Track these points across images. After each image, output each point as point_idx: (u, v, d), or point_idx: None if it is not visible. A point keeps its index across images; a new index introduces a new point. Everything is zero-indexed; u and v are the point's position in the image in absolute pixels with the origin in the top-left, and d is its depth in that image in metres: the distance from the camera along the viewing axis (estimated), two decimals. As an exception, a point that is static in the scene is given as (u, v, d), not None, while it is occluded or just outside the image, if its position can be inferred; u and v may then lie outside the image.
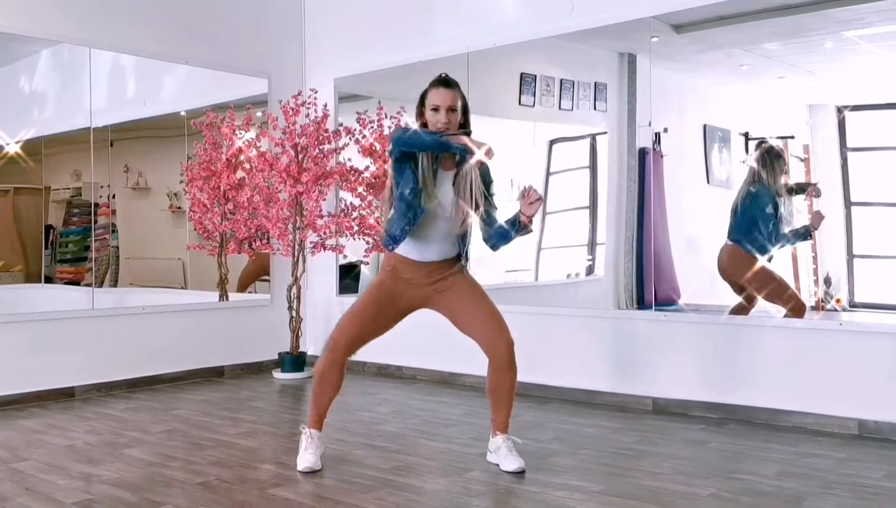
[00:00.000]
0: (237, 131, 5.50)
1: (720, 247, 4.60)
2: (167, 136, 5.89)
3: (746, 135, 5.12)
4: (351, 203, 5.49)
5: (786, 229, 4.56)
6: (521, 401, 4.51)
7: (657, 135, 4.81)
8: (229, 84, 5.66)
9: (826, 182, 5.09)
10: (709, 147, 5.07)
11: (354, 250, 5.72)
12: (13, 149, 4.98)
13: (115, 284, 5.50)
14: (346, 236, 5.42)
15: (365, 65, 5.63)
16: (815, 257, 5.12)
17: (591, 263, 5.61)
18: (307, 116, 5.28)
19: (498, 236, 3.26)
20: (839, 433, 3.68)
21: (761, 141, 4.67)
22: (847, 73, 4.92)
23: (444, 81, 3.17)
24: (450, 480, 3.06)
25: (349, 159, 5.46)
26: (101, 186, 5.36)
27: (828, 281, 5.05)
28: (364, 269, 6.09)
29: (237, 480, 3.08)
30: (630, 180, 5.17)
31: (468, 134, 3.14)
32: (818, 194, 4.64)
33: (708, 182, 5.03)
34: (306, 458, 3.20)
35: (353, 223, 5.35)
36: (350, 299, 5.82)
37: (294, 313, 5.41)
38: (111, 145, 5.31)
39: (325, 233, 5.33)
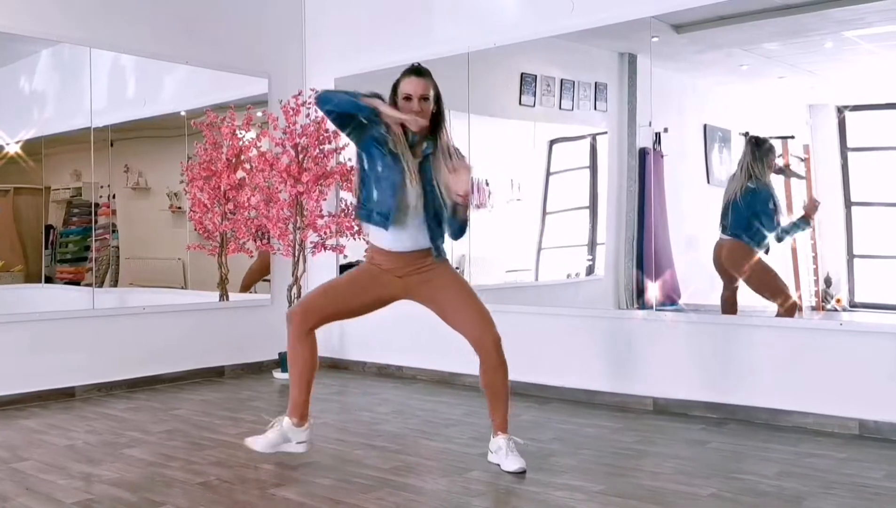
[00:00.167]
0: (237, 131, 5.49)
1: (716, 241, 4.61)
2: (167, 136, 5.89)
3: (747, 135, 5.12)
4: (351, 203, 5.48)
5: (784, 221, 4.58)
6: (521, 401, 4.53)
7: (657, 135, 4.81)
8: (229, 84, 5.66)
9: (826, 182, 5.10)
10: (709, 147, 5.07)
11: (355, 250, 5.72)
12: (13, 149, 4.98)
13: (115, 284, 5.50)
14: (347, 236, 5.42)
15: (365, 65, 5.62)
16: (815, 257, 5.12)
17: (591, 263, 5.61)
18: (307, 115, 5.28)
19: (447, 222, 3.19)
20: (839, 433, 3.68)
21: (747, 134, 4.67)
22: (847, 73, 4.92)
23: (416, 70, 3.17)
24: (450, 480, 3.06)
25: (349, 159, 5.45)
26: (102, 187, 5.36)
27: (828, 281, 5.05)
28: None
29: (237, 480, 3.08)
30: (630, 180, 5.17)
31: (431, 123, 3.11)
32: (794, 176, 4.65)
33: (708, 182, 5.03)
34: (258, 440, 3.23)
35: (353, 223, 5.35)
36: (350, 299, 5.84)
37: (294, 313, 5.40)
38: (111, 145, 5.31)
39: (325, 233, 5.33)
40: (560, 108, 5.58)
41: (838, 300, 4.99)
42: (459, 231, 3.20)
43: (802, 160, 5.16)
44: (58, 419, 4.16)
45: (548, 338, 4.74)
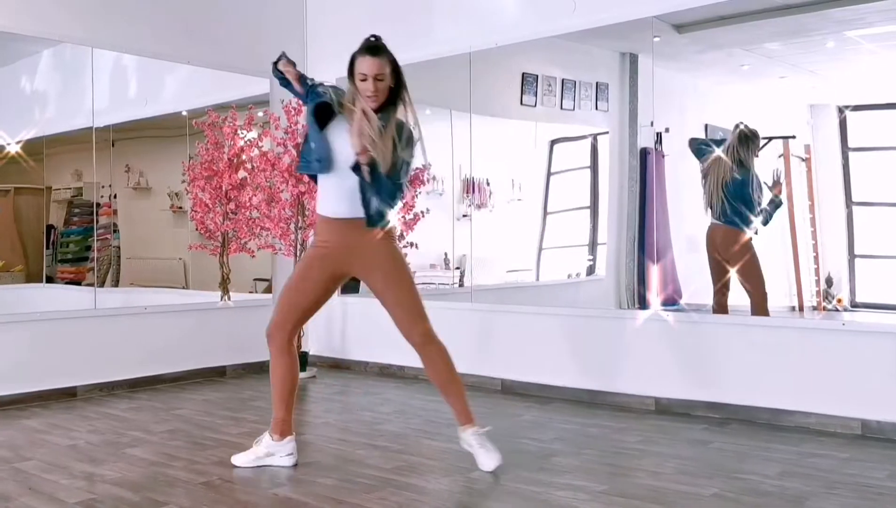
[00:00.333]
0: (239, 131, 5.49)
1: (709, 228, 4.63)
2: (168, 136, 5.89)
3: (738, 126, 5.12)
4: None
5: (765, 204, 4.65)
6: (522, 401, 4.53)
7: (659, 135, 4.81)
8: (231, 84, 5.66)
9: (827, 182, 5.10)
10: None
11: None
12: (14, 149, 4.98)
13: (116, 284, 5.50)
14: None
15: (366, 65, 5.61)
16: (816, 257, 5.13)
17: (591, 263, 5.61)
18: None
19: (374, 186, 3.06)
20: (842, 434, 3.68)
21: (738, 125, 4.69)
22: (848, 72, 4.92)
23: (371, 48, 3.05)
24: (452, 480, 3.06)
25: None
26: (103, 186, 5.36)
27: (829, 281, 5.05)
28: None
29: (240, 480, 3.08)
30: (631, 180, 5.17)
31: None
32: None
33: (709, 182, 5.03)
34: (241, 456, 3.26)
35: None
36: (350, 299, 5.87)
37: (296, 313, 5.40)
38: (112, 145, 5.31)
39: (327, 233, 5.33)
40: (561, 108, 5.59)
41: (839, 300, 4.99)
42: (380, 195, 3.04)
43: (803, 160, 5.17)
44: (60, 419, 4.16)
45: (549, 338, 4.74)
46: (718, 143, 4.78)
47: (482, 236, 5.53)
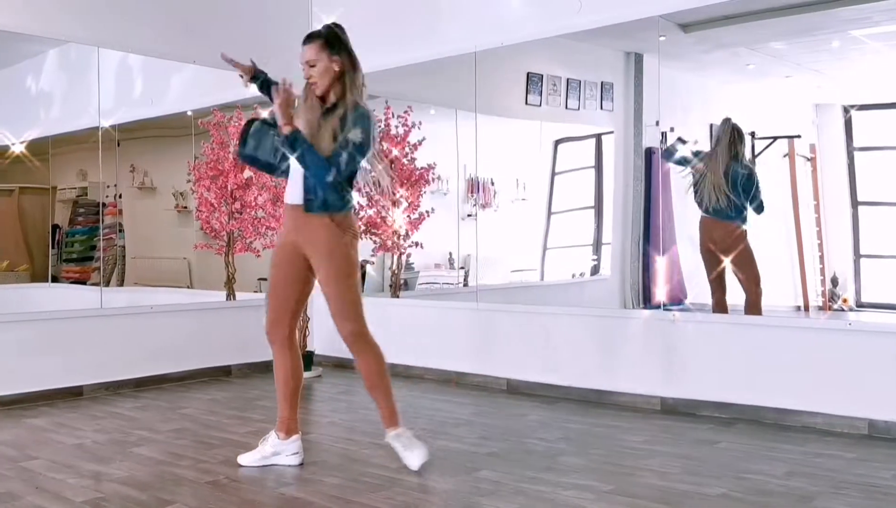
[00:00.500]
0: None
1: (709, 223, 4.64)
2: (173, 135, 5.90)
3: (753, 134, 5.12)
4: (358, 203, 5.49)
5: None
6: (528, 401, 4.53)
7: (664, 134, 4.80)
8: (236, 83, 5.65)
9: (832, 182, 5.10)
10: (716, 146, 5.06)
11: (361, 248, 5.73)
12: (20, 149, 4.99)
13: (121, 283, 5.52)
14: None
15: (371, 64, 5.55)
16: (821, 257, 5.12)
17: (596, 263, 5.61)
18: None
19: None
20: (849, 434, 3.67)
21: (728, 120, 4.69)
22: (854, 72, 4.92)
23: (306, 37, 3.15)
24: (458, 479, 3.06)
25: (357, 159, 5.46)
26: (108, 186, 5.38)
27: (834, 281, 5.05)
28: (370, 269, 6.09)
29: (246, 479, 3.09)
30: (636, 180, 5.17)
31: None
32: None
33: (715, 181, 5.02)
34: (247, 456, 3.27)
35: (360, 223, 5.36)
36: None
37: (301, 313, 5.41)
38: (118, 145, 5.33)
39: (332, 232, 5.33)
40: (566, 107, 5.59)
41: (845, 300, 4.99)
42: (310, 171, 3.01)
43: (809, 160, 5.16)
44: (66, 418, 4.16)
45: (555, 338, 4.73)
46: (696, 153, 4.77)
47: (486, 235, 5.53)
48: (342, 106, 3.07)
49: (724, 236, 4.64)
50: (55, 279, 5.35)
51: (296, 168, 3.09)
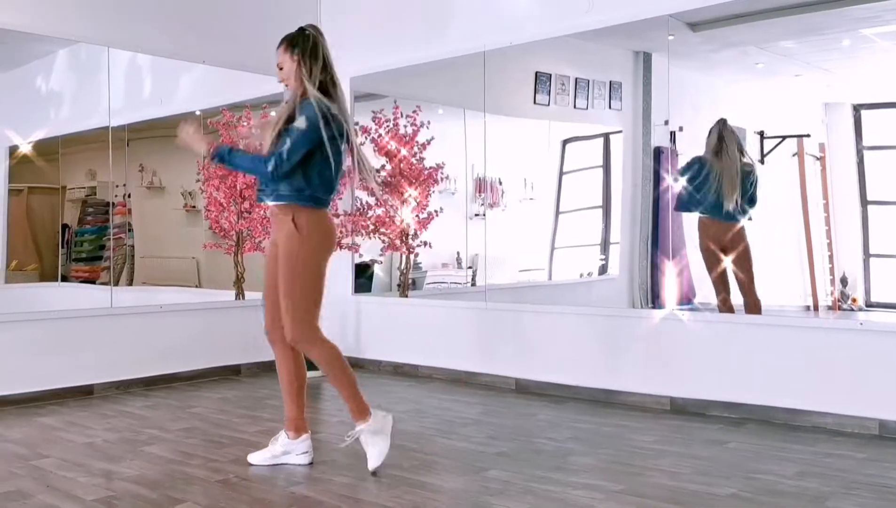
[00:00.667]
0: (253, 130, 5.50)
1: (711, 223, 4.62)
2: (183, 135, 5.91)
3: (762, 133, 5.10)
4: (366, 202, 5.50)
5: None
6: (537, 400, 4.53)
7: (672, 134, 4.79)
8: (245, 83, 5.67)
9: (842, 181, 5.08)
10: (725, 146, 5.05)
11: (371, 248, 5.74)
12: (30, 149, 5.01)
13: (130, 282, 5.53)
14: (362, 235, 5.43)
15: (381, 63, 5.63)
16: (830, 257, 5.11)
17: (604, 262, 5.60)
18: (323, 115, 5.29)
19: None
20: (859, 434, 3.66)
21: (724, 120, 4.67)
22: (863, 71, 4.90)
23: (279, 41, 3.23)
24: (468, 479, 3.06)
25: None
26: (117, 186, 5.39)
27: (844, 281, 5.03)
28: (377, 269, 6.10)
29: (257, 478, 3.09)
30: (645, 179, 5.16)
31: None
32: None
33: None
34: (258, 455, 3.28)
35: (368, 222, 5.37)
36: (364, 298, 5.87)
37: (310, 312, 5.42)
38: (127, 145, 5.34)
39: (340, 232, 5.34)
40: (575, 107, 5.58)
41: (854, 300, 4.97)
42: (247, 173, 3.28)
43: (818, 159, 5.14)
44: (76, 417, 4.18)
45: (564, 337, 4.73)
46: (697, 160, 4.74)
47: (494, 235, 5.53)
48: (293, 102, 3.15)
49: (728, 235, 4.63)
50: (65, 279, 5.36)
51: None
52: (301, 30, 3.24)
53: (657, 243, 4.99)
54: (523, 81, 5.51)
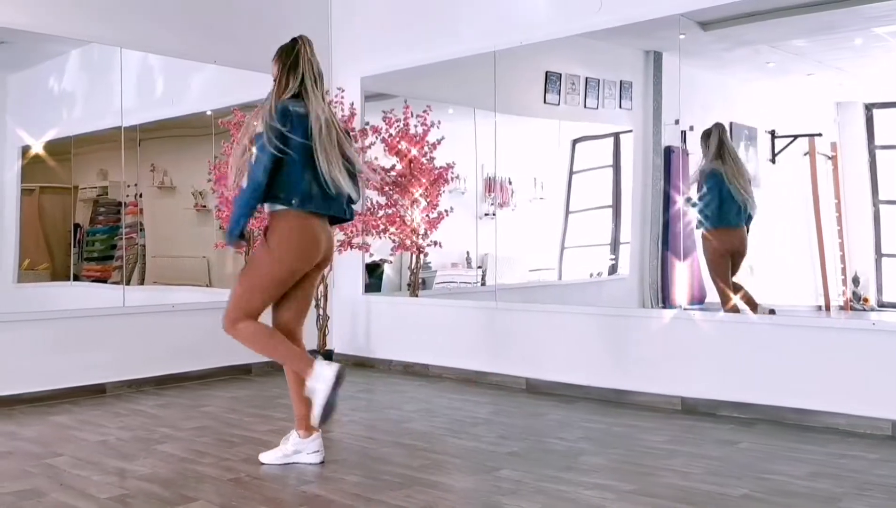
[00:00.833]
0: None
1: (734, 232, 4.61)
2: (193, 135, 5.93)
3: (773, 133, 5.09)
4: (377, 202, 5.50)
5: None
6: (548, 400, 4.53)
7: (683, 133, 4.78)
8: (256, 83, 5.68)
9: (854, 180, 5.06)
10: (735, 145, 5.04)
11: (381, 248, 5.75)
12: (43, 149, 5.04)
13: (141, 282, 5.56)
14: (373, 235, 5.44)
15: (391, 63, 5.64)
16: (842, 256, 5.09)
17: (614, 262, 5.59)
18: (334, 114, 5.29)
19: None
20: (871, 435, 3.64)
21: (720, 125, 4.66)
22: (876, 69, 4.88)
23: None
24: (479, 478, 3.06)
25: (375, 158, 5.48)
26: (129, 186, 5.41)
27: (856, 280, 5.01)
28: (387, 268, 6.11)
29: (268, 477, 3.11)
30: (655, 179, 5.15)
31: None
32: None
33: (734, 180, 5.00)
34: (269, 454, 3.33)
35: (379, 222, 5.37)
36: (374, 298, 5.88)
37: (321, 312, 5.44)
38: (139, 145, 5.37)
39: (351, 232, 5.35)
40: (585, 106, 5.57)
41: (866, 300, 4.95)
42: (248, 207, 3.20)
43: (830, 158, 5.12)
44: (89, 416, 4.20)
45: (574, 337, 4.73)
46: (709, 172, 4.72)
47: (504, 234, 5.53)
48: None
49: (743, 240, 4.63)
50: (76, 278, 5.39)
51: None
52: (293, 41, 3.29)
53: (667, 242, 4.98)
54: (534, 80, 5.51)
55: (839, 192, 5.13)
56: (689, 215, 4.64)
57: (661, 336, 4.40)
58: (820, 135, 5.08)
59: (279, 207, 3.14)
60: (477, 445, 3.56)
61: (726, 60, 5.05)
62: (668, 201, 5.01)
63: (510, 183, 5.83)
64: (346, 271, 5.88)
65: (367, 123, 5.60)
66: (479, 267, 5.91)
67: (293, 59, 3.23)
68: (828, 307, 5.04)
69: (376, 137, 5.41)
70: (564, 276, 5.87)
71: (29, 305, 4.94)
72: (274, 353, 3.26)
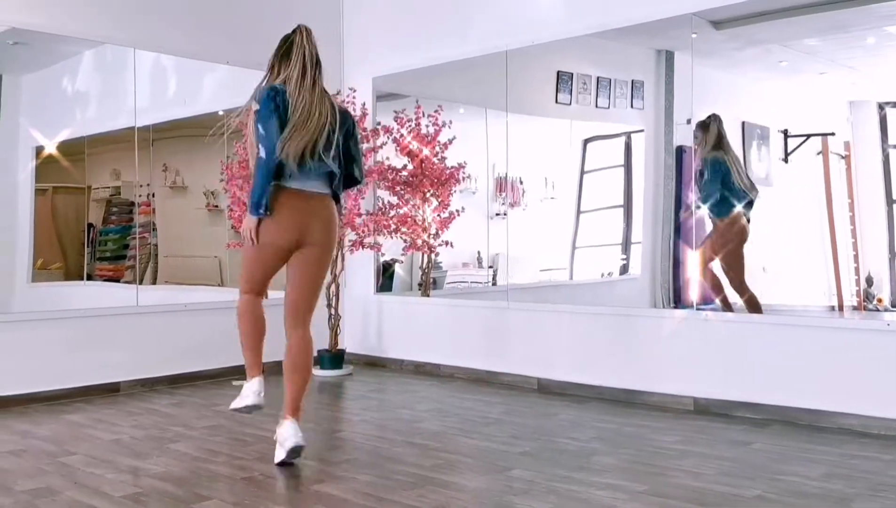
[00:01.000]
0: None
1: (743, 216, 4.65)
2: (205, 135, 5.95)
3: (786, 132, 5.07)
4: (388, 202, 5.51)
5: None
6: (559, 400, 4.53)
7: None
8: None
9: (867, 179, 5.03)
10: (747, 144, 5.03)
11: (392, 248, 5.75)
12: (57, 149, 5.07)
13: (154, 281, 5.58)
14: (384, 235, 5.45)
15: (403, 63, 5.65)
16: (856, 256, 5.06)
17: (625, 262, 5.59)
18: (334, 106, 5.30)
19: None
20: (885, 435, 3.62)
21: (717, 116, 4.66)
22: (889, 68, 4.85)
23: None
24: (491, 478, 3.07)
25: (387, 158, 5.49)
26: (141, 186, 5.44)
27: (869, 280, 4.99)
28: (398, 268, 6.11)
29: (281, 476, 3.12)
30: (667, 178, 5.13)
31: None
32: None
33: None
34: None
35: (390, 222, 5.38)
36: (386, 298, 5.89)
37: (333, 311, 5.45)
38: (152, 145, 5.39)
39: (363, 231, 5.37)
40: (596, 106, 5.57)
41: (880, 300, 4.92)
42: (267, 180, 3.26)
43: (843, 158, 5.10)
44: (103, 414, 4.23)
45: (586, 337, 4.72)
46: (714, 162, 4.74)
47: (515, 234, 5.53)
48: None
49: (746, 225, 4.67)
50: (89, 277, 5.42)
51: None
52: (293, 31, 3.47)
53: (679, 242, 4.97)
54: (545, 80, 5.50)
55: (852, 191, 5.10)
56: (698, 209, 4.67)
57: (673, 336, 4.39)
58: (833, 134, 5.05)
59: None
60: (489, 445, 3.56)
61: (738, 60, 5.04)
62: (679, 201, 5.00)
63: (521, 183, 5.83)
64: (357, 270, 5.89)
65: (379, 123, 5.61)
66: (490, 267, 5.92)
67: (286, 47, 3.38)
68: (841, 308, 5.01)
69: (388, 137, 5.42)
70: (576, 276, 5.87)
71: (43, 304, 4.98)
72: (239, 334, 3.53)
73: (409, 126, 5.44)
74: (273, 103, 3.18)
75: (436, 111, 5.42)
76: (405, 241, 5.48)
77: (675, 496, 2.82)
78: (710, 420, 4.00)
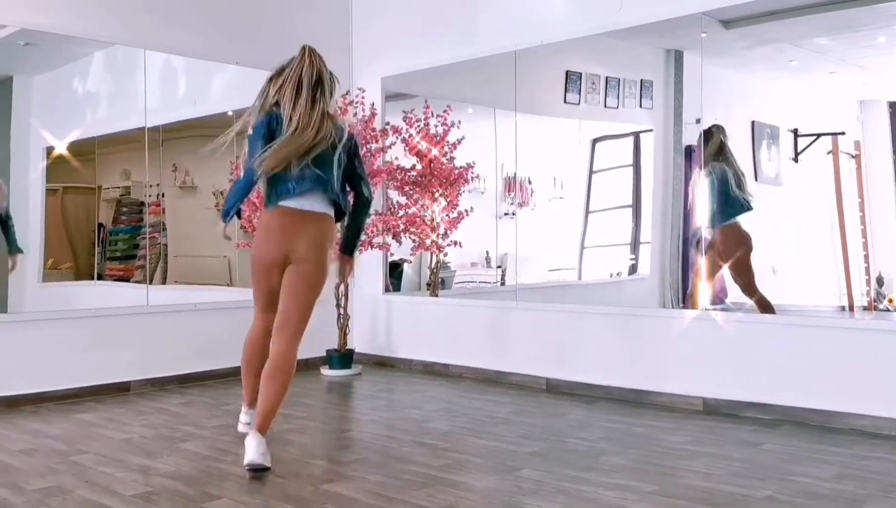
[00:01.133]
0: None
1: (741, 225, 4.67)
2: (215, 135, 5.96)
3: (796, 131, 5.05)
4: (398, 201, 5.52)
5: None
6: (568, 400, 4.53)
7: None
8: (277, 84, 5.71)
9: (878, 179, 5.01)
10: (757, 144, 5.01)
11: (401, 247, 5.76)
12: (67, 149, 5.09)
13: (164, 281, 5.60)
14: (397, 239, 5.47)
15: (412, 64, 5.65)
16: (866, 256, 5.04)
17: (634, 262, 5.58)
18: (355, 115, 5.32)
19: None
20: (896, 436, 3.61)
21: (720, 126, 4.66)
22: (899, 67, 4.83)
23: None
24: (500, 478, 3.07)
25: (396, 158, 5.49)
26: (151, 186, 5.46)
27: (880, 281, 4.96)
28: (406, 268, 6.12)
29: (291, 475, 3.13)
30: (676, 178, 5.12)
31: None
32: None
33: (756, 179, 4.97)
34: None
35: (399, 222, 5.39)
36: (394, 298, 5.89)
37: (342, 311, 5.46)
38: (161, 145, 5.41)
39: (372, 232, 5.37)
40: (605, 106, 5.56)
41: (890, 300, 4.90)
42: (242, 194, 3.51)
43: (853, 157, 5.08)
44: (114, 413, 4.25)
45: (595, 337, 4.72)
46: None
47: (524, 234, 5.53)
48: None
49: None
50: (99, 277, 5.44)
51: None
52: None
53: (688, 242, 4.96)
54: (554, 80, 5.50)
55: (863, 191, 5.08)
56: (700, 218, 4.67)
57: (682, 337, 4.38)
58: (843, 133, 5.03)
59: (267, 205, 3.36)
60: (497, 445, 3.57)
61: (748, 59, 5.02)
62: (688, 201, 4.99)
63: (530, 183, 5.82)
64: (366, 270, 5.89)
65: (388, 123, 5.62)
66: (499, 267, 5.92)
67: (279, 69, 3.42)
68: (851, 308, 4.99)
69: (397, 138, 5.43)
70: (584, 276, 5.86)
71: (53, 304, 5.00)
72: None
73: (418, 126, 5.44)
74: (265, 129, 3.28)
75: (445, 111, 5.43)
76: (414, 241, 5.48)
77: (685, 496, 2.81)
78: (720, 421, 4.00)
